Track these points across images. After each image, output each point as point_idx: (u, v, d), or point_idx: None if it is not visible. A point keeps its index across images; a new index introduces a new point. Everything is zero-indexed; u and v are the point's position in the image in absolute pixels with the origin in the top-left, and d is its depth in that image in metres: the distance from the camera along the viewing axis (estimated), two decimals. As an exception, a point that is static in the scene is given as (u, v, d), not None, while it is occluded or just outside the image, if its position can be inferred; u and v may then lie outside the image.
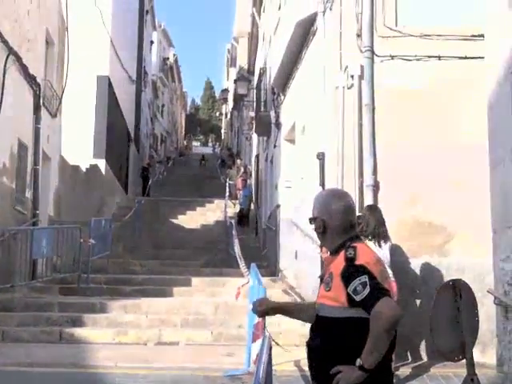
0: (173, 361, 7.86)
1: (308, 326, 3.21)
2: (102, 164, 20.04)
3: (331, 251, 3.08)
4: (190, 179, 32.75)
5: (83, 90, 18.89)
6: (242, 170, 25.79)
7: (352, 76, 8.51)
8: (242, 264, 10.78)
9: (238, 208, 23.48)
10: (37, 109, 11.98)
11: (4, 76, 9.93)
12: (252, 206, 22.51)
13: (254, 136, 25.71)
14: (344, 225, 3.05)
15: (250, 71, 27.86)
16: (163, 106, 46.98)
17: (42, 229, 11.62)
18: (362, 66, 8.53)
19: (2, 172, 10.13)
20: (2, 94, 9.83)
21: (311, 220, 3.13)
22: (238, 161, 28.84)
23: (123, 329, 9.23)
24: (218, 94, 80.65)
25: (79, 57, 15.83)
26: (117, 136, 23.41)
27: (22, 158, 11.25)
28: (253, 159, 26.59)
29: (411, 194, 8.27)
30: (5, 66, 9.95)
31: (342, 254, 2.97)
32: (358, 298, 2.81)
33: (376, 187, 8.24)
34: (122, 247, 16.35)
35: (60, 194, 14.01)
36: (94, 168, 18.84)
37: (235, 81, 25.20)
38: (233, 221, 17.42)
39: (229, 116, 54.19)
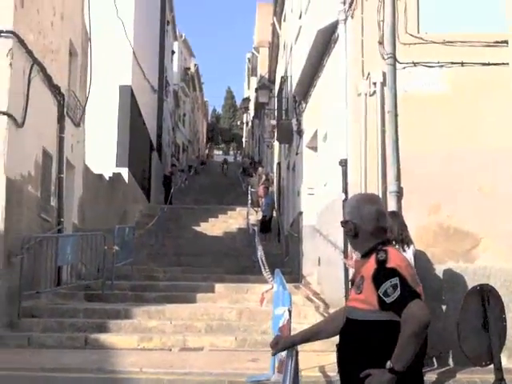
0: (197, 366, 7.87)
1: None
2: (125, 172, 20.22)
3: (362, 254, 3.11)
4: (211, 187, 32.89)
5: (106, 99, 19.13)
6: (264, 177, 25.81)
7: (374, 83, 8.53)
8: (265, 270, 10.78)
9: (260, 215, 23.51)
10: (61, 118, 12.12)
11: (29, 86, 10.06)
12: (274, 214, 22.50)
13: (276, 144, 25.76)
14: (375, 229, 3.09)
15: (271, 80, 27.96)
16: (184, 115, 47.25)
17: (66, 236, 11.74)
18: (384, 73, 8.54)
19: (28, 180, 10.26)
20: (27, 103, 9.96)
21: (343, 223, 3.16)
22: (260, 169, 28.89)
23: (147, 335, 9.28)
24: (238, 103, 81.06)
25: (102, 67, 15.98)
26: (139, 145, 23.61)
27: (46, 166, 11.39)
28: (274, 167, 26.62)
29: (435, 199, 8.25)
30: (29, 75, 10.08)
31: (373, 257, 3.00)
32: (388, 300, 2.82)
33: (400, 193, 8.23)
34: (146, 254, 16.48)
35: (84, 203, 14.14)
36: (117, 176, 19.00)
37: (256, 89, 25.39)
38: (255, 228, 17.42)
39: (250, 125, 54.33)
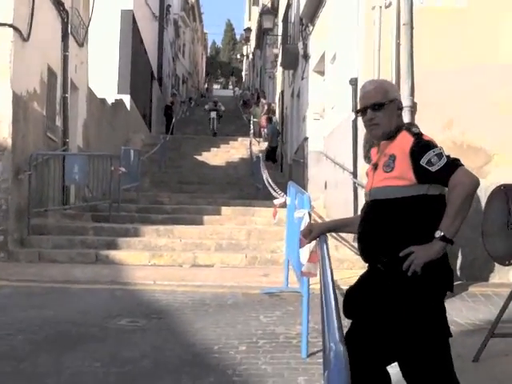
0: (209, 280, 7.95)
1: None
2: (127, 99, 19.98)
3: (390, 135, 3.02)
4: (212, 119, 32.61)
5: (107, 24, 18.72)
6: (266, 107, 25.57)
7: (391, -6, 8.29)
8: (274, 190, 10.75)
9: (262, 146, 23.42)
10: (65, 36, 11.84)
11: None
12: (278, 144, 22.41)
13: (278, 74, 25.44)
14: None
15: (274, 8, 27.34)
16: (184, 45, 46.46)
17: (73, 155, 11.66)
18: (401, -16, 8.29)
19: (33, 97, 10.09)
20: (32, 17, 9.70)
21: (383, 103, 3.00)
22: (263, 100, 28.57)
23: (158, 252, 9.33)
24: (238, 37, 79.72)
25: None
26: (141, 73, 23.26)
27: (51, 85, 11.19)
28: (277, 97, 26.36)
29: (449, 115, 8.14)
30: (34, -12, 9.79)
31: (404, 133, 2.94)
32: (433, 169, 2.76)
33: (413, 108, 8.11)
34: (149, 182, 16.44)
35: (88, 126, 13.99)
36: (119, 103, 18.77)
37: (260, 14, 24.84)
38: (260, 155, 17.33)
39: (251, 57, 53.52)
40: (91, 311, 6.22)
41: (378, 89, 3.07)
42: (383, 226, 2.93)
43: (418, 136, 2.89)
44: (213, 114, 26.79)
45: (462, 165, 2.78)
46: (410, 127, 2.98)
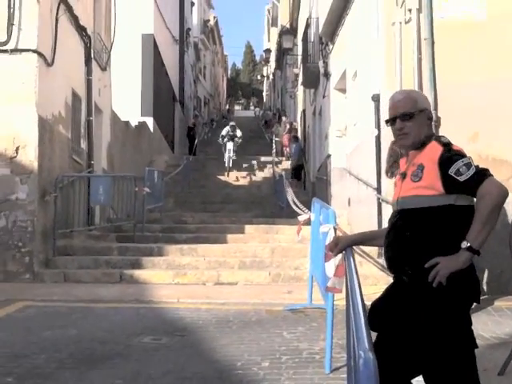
0: (233, 297, 7.93)
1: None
2: (150, 122, 20.18)
3: (418, 144, 3.00)
4: (234, 139, 32.78)
5: (129, 48, 18.99)
6: (288, 126, 25.64)
7: (410, 10, 8.31)
8: (298, 207, 10.74)
9: (284, 164, 23.45)
10: (88, 60, 12.04)
11: (56, 25, 9.97)
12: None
13: (299, 93, 25.52)
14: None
15: (293, 28, 27.52)
16: (205, 67, 46.85)
17: (98, 176, 11.79)
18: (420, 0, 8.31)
19: (59, 121, 10.24)
20: (55, 42, 9.88)
21: (413, 113, 2.99)
22: (284, 118, 28.66)
23: (181, 270, 9.35)
24: (258, 58, 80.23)
25: (124, 14, 15.82)
26: (163, 95, 23.50)
27: (76, 108, 11.36)
28: (298, 115, 26.43)
29: (473, 128, 8.09)
30: (57, 14, 9.98)
31: (433, 143, 2.92)
32: (461, 179, 2.73)
33: (437, 123, 8.06)
34: (173, 202, 16.51)
35: (112, 148, 14.14)
36: (142, 125, 18.96)
37: (280, 34, 24.99)
38: (283, 173, 17.34)
39: (271, 77, 53.82)
40: (115, 329, 6.23)
41: (408, 99, 3.06)
42: (409, 235, 2.90)
43: (448, 146, 2.87)
44: (229, 145, 21.46)
45: (490, 175, 2.74)
46: (440, 137, 2.97)
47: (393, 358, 2.84)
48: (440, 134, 3.03)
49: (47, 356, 5.27)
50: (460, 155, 2.80)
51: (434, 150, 2.89)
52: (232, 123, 23.44)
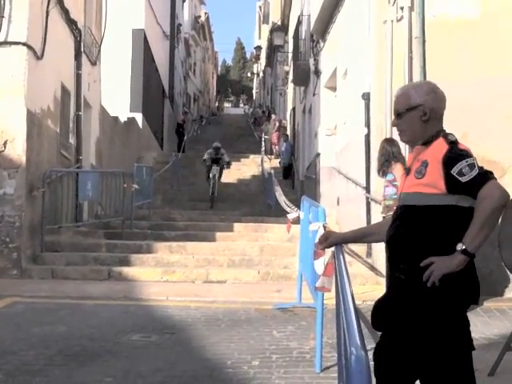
0: (223, 296, 7.91)
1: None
2: (139, 118, 20.11)
3: (424, 141, 2.94)
4: (223, 137, 32.73)
5: (119, 43, 18.92)
6: (277, 124, 25.62)
7: (402, 8, 8.32)
8: (287, 205, 10.73)
9: (273, 163, 23.43)
10: (78, 55, 11.95)
11: (47, 18, 9.87)
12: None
13: (289, 91, 25.51)
14: (442, 114, 2.97)
15: (285, 25, 27.51)
16: (195, 64, 46.77)
17: (87, 172, 11.72)
18: (412, -2, 8.31)
19: (47, 115, 10.16)
20: (45, 35, 9.79)
21: (409, 109, 2.94)
22: (273, 115, 28.65)
23: (171, 268, 9.30)
24: (248, 55, 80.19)
25: (115, 9, 15.74)
26: (152, 91, 23.41)
27: (65, 103, 11.27)
28: (288, 113, 26.42)
29: (463, 128, 8.04)
30: (47, 7, 9.89)
31: (440, 140, 2.85)
32: (463, 180, 2.68)
33: (427, 122, 8.07)
34: (161, 199, 16.47)
35: (100, 144, 14.06)
36: (131, 121, 18.89)
37: (271, 31, 24.94)
38: (272, 171, 17.31)
39: (261, 75, 53.79)
40: (104, 327, 6.19)
41: (402, 96, 3.02)
42: (408, 232, 2.87)
43: (453, 144, 2.81)
44: (214, 170, 17.24)
45: (493, 178, 2.69)
46: (447, 134, 2.88)
47: (393, 358, 2.84)
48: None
49: (36, 352, 5.22)
50: (465, 155, 2.75)
51: (439, 148, 2.83)
52: (216, 144, 18.65)
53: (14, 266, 8.95)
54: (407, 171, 3.01)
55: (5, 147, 9.03)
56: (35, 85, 9.43)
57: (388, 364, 2.85)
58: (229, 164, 18.68)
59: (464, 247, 2.67)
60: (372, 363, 2.43)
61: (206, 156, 18.35)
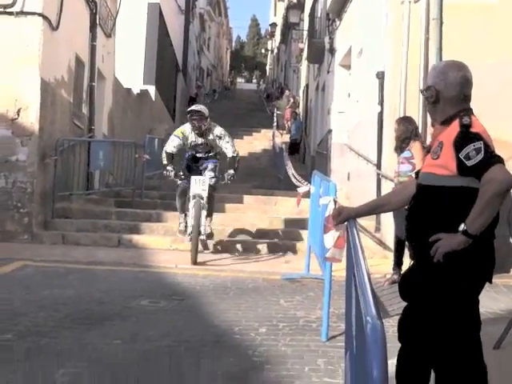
0: (231, 265, 8.00)
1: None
2: (152, 90, 20.06)
3: (442, 121, 3.00)
4: (235, 111, 32.73)
5: (134, 16, 18.80)
6: (292, 100, 25.55)
7: (420, -12, 8.26)
8: (297, 179, 10.78)
9: (284, 138, 23.42)
10: (93, 26, 11.95)
11: (63, -13, 9.89)
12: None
13: (303, 68, 25.40)
14: (458, 96, 2.99)
15: (301, 3, 27.28)
16: (209, 39, 46.55)
17: (99, 141, 11.78)
18: (431, -22, 8.25)
19: (61, 85, 10.21)
20: (61, 6, 9.80)
21: (423, 90, 3.07)
22: (287, 91, 28.53)
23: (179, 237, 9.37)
24: (263, 32, 79.65)
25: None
26: (166, 64, 23.34)
27: (78, 73, 11.31)
28: (301, 90, 26.34)
29: (476, 110, 8.05)
30: (64, -23, 9.89)
31: (456, 122, 2.90)
32: (469, 163, 2.73)
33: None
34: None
35: (113, 114, 14.11)
36: (144, 93, 18.88)
37: (287, 9, 24.77)
38: (283, 146, 17.33)
39: (275, 51, 53.48)
40: (113, 292, 6.29)
41: (432, 72, 3.12)
42: (421, 211, 2.96)
43: (466, 127, 2.85)
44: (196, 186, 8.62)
45: (499, 162, 2.72)
46: (463, 116, 2.90)
47: (415, 327, 2.97)
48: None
49: (46, 315, 5.31)
50: (474, 139, 2.78)
51: (453, 130, 2.88)
52: (198, 107, 9.50)
53: (25, 231, 9.07)
54: (427, 150, 3.08)
55: (18, 115, 9.10)
56: (50, 55, 9.47)
57: (409, 332, 2.99)
58: (234, 172, 9.26)
59: (465, 228, 2.73)
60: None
61: (170, 149, 8.84)
